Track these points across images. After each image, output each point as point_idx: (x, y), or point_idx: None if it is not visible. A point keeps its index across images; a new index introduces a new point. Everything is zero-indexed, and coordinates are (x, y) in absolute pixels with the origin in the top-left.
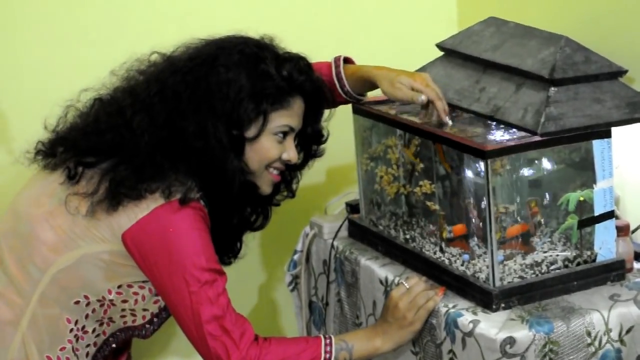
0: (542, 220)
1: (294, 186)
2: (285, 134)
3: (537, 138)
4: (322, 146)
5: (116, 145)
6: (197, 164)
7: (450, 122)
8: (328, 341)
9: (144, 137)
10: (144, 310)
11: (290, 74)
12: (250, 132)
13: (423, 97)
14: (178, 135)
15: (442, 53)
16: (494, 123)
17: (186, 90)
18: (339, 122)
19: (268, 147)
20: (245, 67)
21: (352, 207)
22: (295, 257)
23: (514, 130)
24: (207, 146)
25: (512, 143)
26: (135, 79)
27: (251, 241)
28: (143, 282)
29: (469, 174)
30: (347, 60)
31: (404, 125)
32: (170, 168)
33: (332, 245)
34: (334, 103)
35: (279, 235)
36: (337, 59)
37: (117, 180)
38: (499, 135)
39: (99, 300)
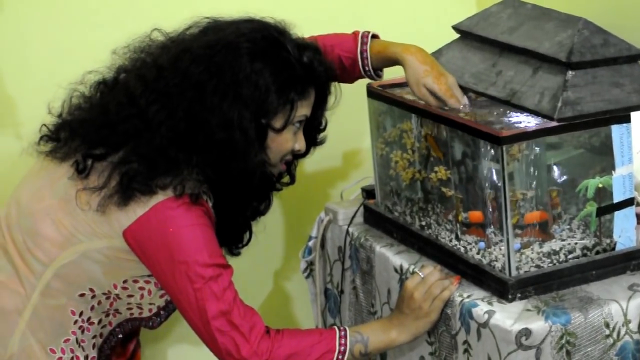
0: (562, 212)
1: (293, 172)
2: (300, 123)
3: (553, 123)
4: (323, 134)
5: (129, 137)
6: (217, 157)
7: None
8: (343, 333)
9: (161, 129)
10: (150, 304)
11: (311, 63)
12: (277, 123)
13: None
14: (199, 127)
15: (459, 35)
16: (512, 107)
17: (211, 80)
18: (355, 106)
19: (287, 138)
20: (270, 56)
21: (368, 193)
22: (310, 243)
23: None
24: (231, 137)
25: (528, 129)
26: (141, 61)
27: (266, 227)
28: (148, 276)
29: (484, 160)
30: (374, 36)
31: (419, 110)
32: (183, 161)
33: (347, 232)
34: (350, 79)
35: (294, 221)
36: (364, 35)
37: (130, 174)
38: (516, 120)
39: (104, 294)
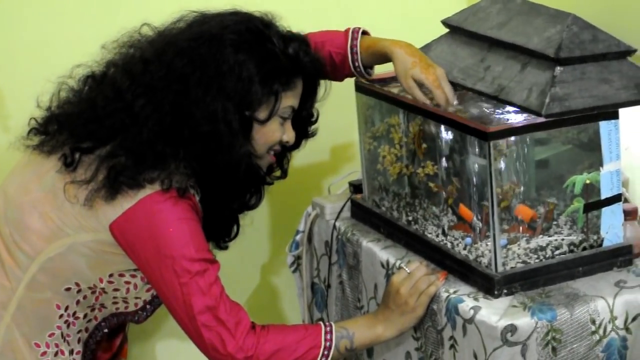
0: (553, 223)
1: (285, 167)
2: (288, 115)
3: (541, 119)
4: (314, 126)
5: (116, 131)
6: (202, 150)
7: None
8: (328, 329)
9: (147, 123)
10: (136, 298)
11: (297, 54)
12: (261, 114)
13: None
14: (184, 120)
15: (448, 29)
16: (500, 102)
17: (194, 73)
18: (343, 100)
19: (273, 129)
20: (254, 47)
21: (356, 187)
22: (297, 237)
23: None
24: (215, 130)
25: (515, 124)
26: (129, 56)
27: (253, 221)
28: (134, 270)
29: (471, 155)
30: (364, 33)
31: (406, 105)
32: (170, 155)
33: (335, 226)
34: (340, 76)
35: (281, 215)
36: (355, 31)
37: (117, 168)
38: (504, 116)
39: (90, 288)
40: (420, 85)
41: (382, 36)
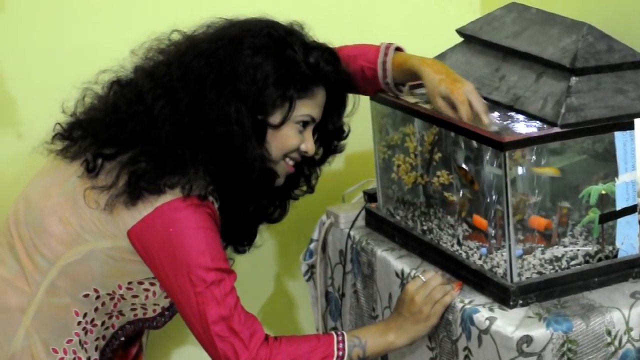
0: (567, 229)
1: (313, 182)
2: (306, 123)
3: (556, 129)
4: (343, 142)
5: (137, 135)
6: (217, 152)
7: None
8: (340, 338)
9: (166, 125)
10: (155, 304)
11: (317, 62)
12: (275, 119)
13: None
14: (200, 122)
15: (462, 39)
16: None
17: (210, 74)
18: (358, 109)
19: (289, 135)
20: (272, 52)
21: (370, 196)
22: (311, 246)
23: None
24: (229, 132)
25: (531, 134)
26: (155, 60)
27: (267, 229)
28: (154, 278)
29: (487, 165)
30: (398, 49)
31: (421, 114)
32: (190, 159)
33: (349, 235)
34: (372, 91)
35: (295, 224)
36: (387, 47)
37: (138, 174)
38: (519, 126)
39: (108, 294)
40: (449, 101)
41: (398, 44)
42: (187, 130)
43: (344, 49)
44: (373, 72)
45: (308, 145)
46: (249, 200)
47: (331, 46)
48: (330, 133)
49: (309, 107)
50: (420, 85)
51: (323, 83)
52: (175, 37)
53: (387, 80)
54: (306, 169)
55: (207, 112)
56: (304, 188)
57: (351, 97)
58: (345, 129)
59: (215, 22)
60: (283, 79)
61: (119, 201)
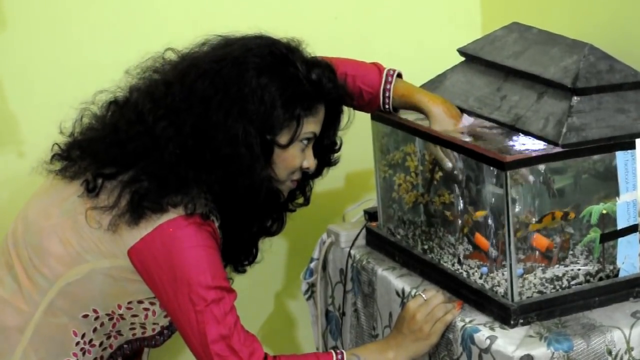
0: (569, 253)
1: (308, 194)
2: (309, 141)
3: (558, 149)
4: (337, 154)
5: (138, 155)
6: (223, 173)
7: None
8: (340, 357)
9: (169, 146)
10: (154, 324)
11: (320, 79)
12: (283, 139)
13: (449, 164)
14: (206, 143)
15: (464, 58)
16: (516, 132)
17: (216, 95)
18: (359, 128)
19: (294, 154)
20: (276, 71)
21: (371, 215)
22: (312, 265)
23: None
24: (236, 153)
25: (532, 154)
26: (151, 80)
27: (267, 248)
28: (154, 297)
29: (488, 184)
30: (399, 75)
31: (422, 133)
32: (193, 179)
33: (349, 254)
34: (367, 111)
35: (296, 242)
36: (389, 74)
37: (141, 193)
38: (520, 145)
39: (108, 315)
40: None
41: (397, 65)
42: (192, 151)
43: (340, 65)
44: (372, 97)
45: (310, 161)
46: (254, 221)
47: (325, 60)
48: (325, 147)
49: (312, 125)
50: None
51: (324, 99)
52: (170, 55)
53: (387, 107)
54: (302, 182)
55: (214, 133)
56: (300, 200)
57: (346, 111)
58: (338, 141)
59: (210, 39)
60: (290, 98)
61: (122, 221)
